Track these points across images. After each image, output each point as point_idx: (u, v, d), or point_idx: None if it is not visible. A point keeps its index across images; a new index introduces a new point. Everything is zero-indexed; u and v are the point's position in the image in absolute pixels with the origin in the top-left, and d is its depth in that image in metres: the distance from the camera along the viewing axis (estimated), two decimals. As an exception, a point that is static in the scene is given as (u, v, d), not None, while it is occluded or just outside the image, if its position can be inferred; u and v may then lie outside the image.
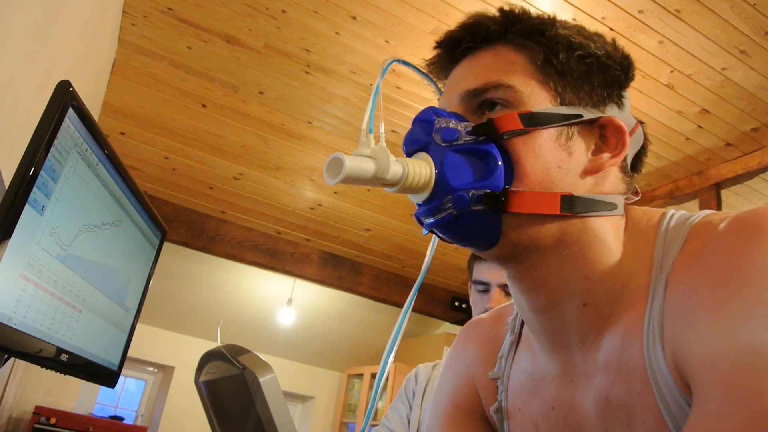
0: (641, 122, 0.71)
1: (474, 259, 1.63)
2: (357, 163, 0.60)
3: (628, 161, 0.70)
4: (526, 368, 0.75)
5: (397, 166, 0.61)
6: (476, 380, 0.84)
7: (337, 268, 4.91)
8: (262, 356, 0.98)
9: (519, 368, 0.77)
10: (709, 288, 0.53)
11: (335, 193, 4.17)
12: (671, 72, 2.73)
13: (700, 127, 3.05)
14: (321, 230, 4.62)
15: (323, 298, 5.80)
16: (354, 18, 2.71)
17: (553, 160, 0.62)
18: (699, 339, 0.52)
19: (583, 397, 0.65)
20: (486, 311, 1.55)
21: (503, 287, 1.52)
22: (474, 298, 1.59)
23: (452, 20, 2.59)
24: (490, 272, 1.55)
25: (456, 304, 5.43)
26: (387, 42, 2.80)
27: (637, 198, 0.70)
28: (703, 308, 0.53)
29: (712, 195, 3.29)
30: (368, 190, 4.11)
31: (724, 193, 3.33)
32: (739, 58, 2.60)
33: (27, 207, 0.81)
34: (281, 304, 5.72)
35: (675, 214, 0.65)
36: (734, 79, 2.71)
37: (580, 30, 0.67)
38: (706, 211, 0.62)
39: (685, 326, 0.54)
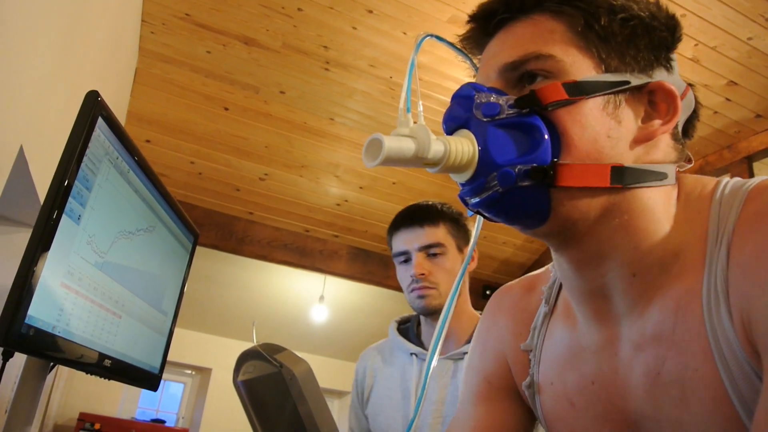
0: (691, 85, 0.68)
1: (390, 232, 1.54)
2: (397, 144, 0.58)
3: (680, 127, 0.66)
4: (562, 340, 0.73)
5: (438, 144, 0.59)
6: (507, 354, 0.82)
7: (367, 263, 4.92)
8: (297, 354, 0.98)
9: (553, 341, 0.74)
10: None
11: (361, 188, 4.18)
12: (695, 45, 2.68)
13: (728, 99, 2.99)
14: (348, 226, 4.63)
15: (354, 294, 5.83)
16: (370, 12, 2.71)
17: (602, 129, 0.59)
18: None
19: (628, 372, 0.63)
20: (412, 280, 1.45)
21: (424, 249, 1.46)
22: (399, 272, 1.52)
23: (469, 7, 2.57)
24: (407, 239, 1.48)
25: (488, 293, 5.41)
26: (405, 34, 2.79)
27: (690, 165, 0.67)
28: None
29: (743, 168, 3.23)
30: (393, 183, 4.10)
31: (756, 165, 3.26)
32: (765, 27, 2.54)
33: (64, 217, 0.83)
34: (313, 301, 5.77)
35: (729, 181, 0.62)
36: (761, 48, 2.65)
37: None
38: (761, 177, 0.60)
39: (756, 288, 0.51)
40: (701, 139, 3.28)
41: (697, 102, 0.68)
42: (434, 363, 0.69)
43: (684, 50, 2.70)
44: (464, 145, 0.60)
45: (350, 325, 6.31)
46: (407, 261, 1.50)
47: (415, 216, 1.50)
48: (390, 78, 3.13)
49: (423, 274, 1.45)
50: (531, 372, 0.77)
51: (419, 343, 1.53)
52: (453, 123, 0.63)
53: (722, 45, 2.66)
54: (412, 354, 1.51)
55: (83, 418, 4.45)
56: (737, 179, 0.62)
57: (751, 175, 3.21)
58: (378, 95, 3.28)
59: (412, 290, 1.47)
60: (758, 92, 2.91)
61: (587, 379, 0.68)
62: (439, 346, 0.69)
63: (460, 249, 1.52)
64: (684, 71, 2.81)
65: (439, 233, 1.48)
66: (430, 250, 1.47)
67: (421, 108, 0.64)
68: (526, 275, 0.87)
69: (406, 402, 1.46)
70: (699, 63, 2.77)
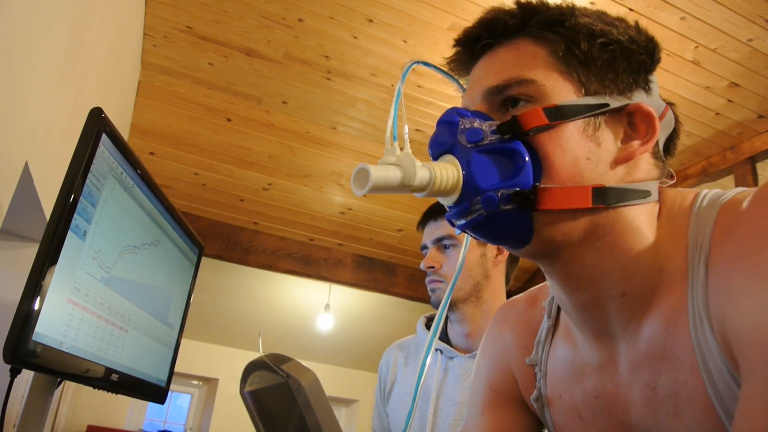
0: (671, 104, 0.70)
1: (419, 227, 1.56)
2: (383, 173, 0.60)
3: (660, 145, 0.68)
4: (566, 356, 0.74)
5: (423, 171, 0.61)
6: (513, 366, 0.84)
7: (372, 271, 4.92)
8: (304, 363, 0.99)
9: (558, 356, 0.76)
10: (743, 259, 0.53)
11: (364, 196, 4.18)
12: (696, 47, 2.68)
13: (729, 101, 2.98)
14: (353, 234, 4.63)
15: (360, 301, 5.83)
16: (370, 21, 2.72)
17: (582, 152, 0.61)
18: (740, 310, 0.51)
19: (628, 387, 0.65)
20: (426, 274, 1.47)
21: (437, 242, 1.47)
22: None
23: (469, 15, 2.58)
24: (428, 233, 1.50)
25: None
26: (405, 42, 2.80)
27: (672, 182, 0.68)
28: (739, 280, 0.52)
29: (747, 169, 3.22)
30: (397, 191, 4.11)
31: (759, 166, 3.25)
32: (765, 28, 2.54)
33: (70, 233, 0.83)
34: (319, 310, 5.76)
35: (708, 193, 0.63)
36: (762, 49, 2.65)
37: (600, 16, 0.66)
38: (738, 189, 0.61)
39: (726, 301, 0.54)
40: (703, 140, 3.28)
41: (677, 120, 0.70)
42: (429, 360, 0.70)
43: (684, 53, 2.71)
44: (449, 171, 0.62)
45: (356, 334, 6.30)
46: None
47: (435, 209, 1.51)
48: (391, 86, 3.14)
49: (432, 267, 1.45)
50: (538, 385, 0.78)
51: (446, 340, 1.51)
52: (438, 148, 0.65)
53: (723, 47, 2.66)
54: (437, 350, 1.49)
55: (91, 431, 4.45)
56: (716, 191, 0.64)
57: (755, 175, 3.20)
58: (380, 103, 3.28)
59: (427, 284, 1.48)
60: (760, 93, 2.91)
61: (591, 394, 0.69)
62: (435, 338, 0.70)
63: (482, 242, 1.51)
64: (685, 73, 2.82)
65: None
66: (443, 242, 1.47)
67: (407, 135, 0.65)
68: (528, 290, 0.89)
69: (425, 400, 1.45)
70: (700, 65, 2.77)
